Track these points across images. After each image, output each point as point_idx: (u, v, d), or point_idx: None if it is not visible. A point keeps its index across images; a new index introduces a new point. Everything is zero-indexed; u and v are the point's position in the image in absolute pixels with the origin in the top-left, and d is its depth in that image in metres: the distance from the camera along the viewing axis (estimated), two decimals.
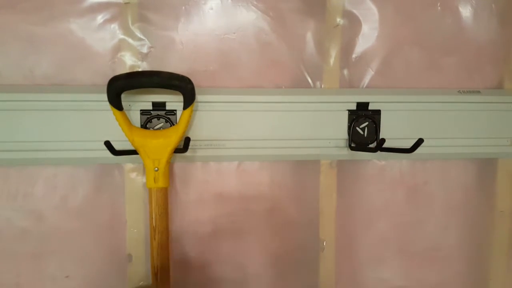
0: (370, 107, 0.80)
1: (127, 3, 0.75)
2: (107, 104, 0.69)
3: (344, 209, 0.85)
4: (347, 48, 0.81)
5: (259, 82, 0.80)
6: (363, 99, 0.79)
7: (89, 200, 0.78)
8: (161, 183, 0.71)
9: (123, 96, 0.70)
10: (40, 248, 0.78)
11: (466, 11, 0.84)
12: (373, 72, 0.82)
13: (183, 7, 0.76)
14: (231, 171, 0.81)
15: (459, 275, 0.90)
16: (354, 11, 0.80)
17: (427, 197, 0.87)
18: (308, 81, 0.81)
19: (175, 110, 0.75)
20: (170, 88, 0.70)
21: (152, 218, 0.71)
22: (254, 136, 0.78)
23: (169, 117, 0.76)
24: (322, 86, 0.81)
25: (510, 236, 0.90)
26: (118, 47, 0.76)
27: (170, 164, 0.77)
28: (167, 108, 0.75)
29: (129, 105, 0.74)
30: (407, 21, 0.82)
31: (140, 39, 0.76)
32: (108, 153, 0.68)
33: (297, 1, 0.79)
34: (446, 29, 0.83)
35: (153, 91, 0.74)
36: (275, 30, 0.79)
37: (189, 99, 0.70)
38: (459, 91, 0.83)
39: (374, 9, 0.81)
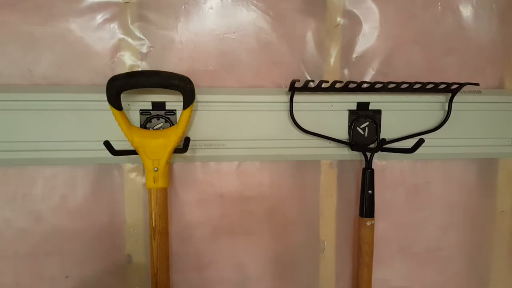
0: (371, 107, 0.80)
1: (126, 2, 0.75)
2: (106, 104, 0.69)
3: (345, 210, 0.85)
4: (347, 48, 0.81)
5: (259, 82, 0.80)
6: (363, 99, 0.79)
7: (88, 200, 0.78)
8: (160, 183, 0.71)
9: (122, 96, 0.70)
10: (40, 248, 0.78)
11: (466, 11, 0.84)
12: (373, 72, 0.82)
13: (183, 7, 0.76)
14: (231, 171, 0.81)
15: (459, 275, 0.90)
16: (355, 10, 0.80)
17: (428, 197, 0.87)
18: None
19: (175, 110, 0.75)
20: (170, 88, 0.70)
21: (151, 218, 0.71)
22: (254, 136, 0.78)
23: (168, 117, 0.75)
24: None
25: (511, 236, 0.90)
26: (118, 47, 0.76)
27: (169, 164, 0.77)
28: (167, 108, 0.75)
29: (129, 105, 0.74)
30: (408, 21, 0.82)
31: (139, 39, 0.76)
32: (107, 153, 0.68)
33: (297, 1, 0.79)
34: (447, 28, 0.83)
35: (153, 91, 0.74)
36: (276, 30, 0.79)
37: (188, 99, 0.70)
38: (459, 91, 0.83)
39: (374, 8, 0.81)
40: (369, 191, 0.77)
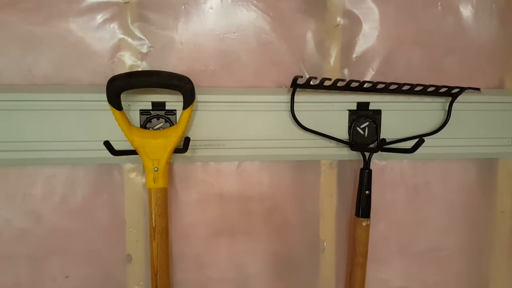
0: (371, 107, 0.80)
1: (126, 2, 0.75)
2: (106, 104, 0.69)
3: (344, 210, 0.85)
4: (347, 48, 0.81)
5: (259, 82, 0.80)
6: (363, 99, 0.79)
7: (88, 200, 0.78)
8: (160, 183, 0.71)
9: (122, 96, 0.70)
10: (40, 248, 0.78)
11: (466, 11, 0.84)
12: (373, 72, 0.82)
13: (183, 7, 0.76)
14: (231, 171, 0.81)
15: (459, 275, 0.90)
16: (355, 10, 0.80)
17: (428, 197, 0.87)
18: None
19: (175, 110, 0.75)
20: (170, 88, 0.70)
21: (151, 218, 0.71)
22: (254, 136, 0.78)
23: (168, 117, 0.75)
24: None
25: (511, 236, 0.90)
26: (118, 47, 0.76)
27: (169, 164, 0.77)
28: (167, 108, 0.75)
29: (129, 105, 0.74)
30: (408, 21, 0.82)
31: (139, 39, 0.76)
32: (107, 153, 0.68)
33: (297, 1, 0.79)
34: (447, 28, 0.83)
35: (153, 91, 0.74)
36: (275, 30, 0.79)
37: (188, 99, 0.70)
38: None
39: (374, 8, 0.81)
40: (366, 192, 0.77)
